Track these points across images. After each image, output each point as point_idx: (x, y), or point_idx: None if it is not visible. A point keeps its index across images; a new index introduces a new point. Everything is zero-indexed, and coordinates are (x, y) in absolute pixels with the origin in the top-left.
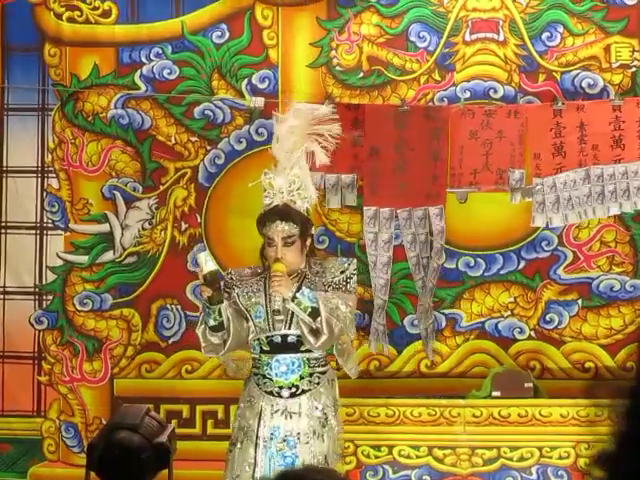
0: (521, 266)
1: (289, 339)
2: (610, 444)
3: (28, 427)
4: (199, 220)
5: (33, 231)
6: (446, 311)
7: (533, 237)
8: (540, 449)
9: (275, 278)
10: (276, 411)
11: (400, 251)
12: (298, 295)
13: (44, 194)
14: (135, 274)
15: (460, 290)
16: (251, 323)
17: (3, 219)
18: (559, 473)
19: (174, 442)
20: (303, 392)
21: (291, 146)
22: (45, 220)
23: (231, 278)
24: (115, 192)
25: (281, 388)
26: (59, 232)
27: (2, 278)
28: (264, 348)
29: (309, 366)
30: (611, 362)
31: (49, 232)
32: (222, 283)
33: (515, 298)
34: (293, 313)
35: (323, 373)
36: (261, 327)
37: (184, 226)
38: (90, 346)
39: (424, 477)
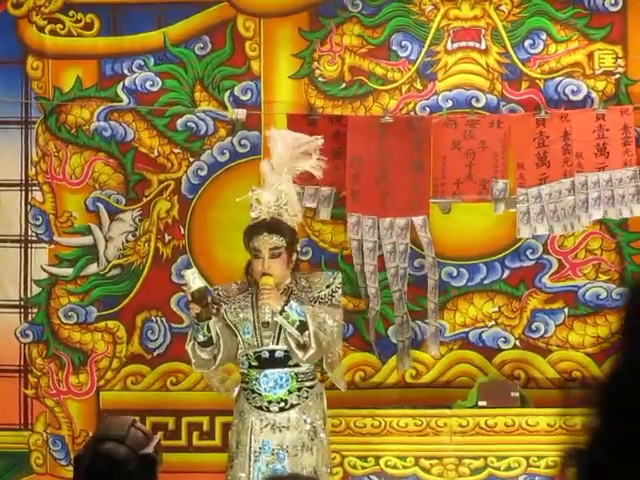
0: (505, 275)
1: (277, 354)
2: (581, 440)
3: (15, 440)
4: (183, 232)
5: (17, 244)
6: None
7: (517, 246)
8: (527, 458)
9: (264, 291)
10: (265, 425)
11: (381, 261)
12: (286, 308)
13: (28, 207)
14: (119, 286)
15: (443, 300)
16: (239, 339)
17: None
18: None
19: (160, 453)
20: (292, 406)
21: (278, 165)
22: (29, 233)
23: (218, 294)
24: (99, 204)
25: (270, 403)
26: (43, 245)
27: None
28: (252, 363)
29: (297, 380)
30: (598, 371)
31: (33, 245)
32: (210, 299)
33: (499, 307)
34: (281, 328)
35: (311, 387)
36: (249, 343)
37: (168, 238)
38: (76, 359)
39: None
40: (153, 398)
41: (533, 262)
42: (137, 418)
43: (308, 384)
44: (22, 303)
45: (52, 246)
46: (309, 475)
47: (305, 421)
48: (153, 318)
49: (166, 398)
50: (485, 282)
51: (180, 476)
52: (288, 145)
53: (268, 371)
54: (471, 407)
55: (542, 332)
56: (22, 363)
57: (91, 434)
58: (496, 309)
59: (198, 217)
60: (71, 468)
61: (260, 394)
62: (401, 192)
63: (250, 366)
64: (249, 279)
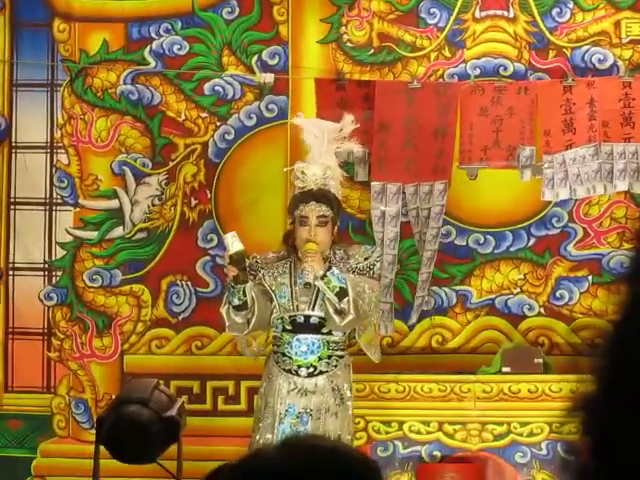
0: (531, 243)
1: (312, 320)
2: (588, 387)
3: (38, 403)
4: (209, 196)
5: (42, 207)
6: (457, 288)
7: (543, 214)
8: (550, 424)
9: (308, 254)
10: (293, 389)
11: (408, 228)
12: (328, 274)
13: (53, 170)
14: (145, 250)
15: (470, 267)
16: (275, 302)
17: (12, 195)
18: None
19: (184, 416)
20: (321, 373)
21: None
22: (54, 196)
23: (256, 261)
24: (125, 168)
25: (299, 367)
26: (68, 208)
27: (12, 254)
28: (286, 327)
29: (328, 348)
30: None
31: (58, 208)
32: (248, 263)
33: (525, 275)
34: (317, 295)
35: (341, 357)
36: (285, 307)
37: (194, 202)
38: (100, 322)
39: (434, 453)
40: (178, 362)
41: (558, 230)
42: (161, 382)
43: (338, 353)
44: (46, 266)
45: (77, 209)
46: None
47: (332, 389)
48: (178, 282)
49: (191, 362)
50: (511, 250)
51: (205, 440)
52: (325, 136)
53: (301, 336)
54: (495, 373)
55: (566, 300)
56: (46, 326)
57: (114, 397)
58: (521, 276)
59: (224, 181)
60: (93, 431)
61: (291, 357)
62: (426, 158)
63: (284, 330)
64: (288, 248)
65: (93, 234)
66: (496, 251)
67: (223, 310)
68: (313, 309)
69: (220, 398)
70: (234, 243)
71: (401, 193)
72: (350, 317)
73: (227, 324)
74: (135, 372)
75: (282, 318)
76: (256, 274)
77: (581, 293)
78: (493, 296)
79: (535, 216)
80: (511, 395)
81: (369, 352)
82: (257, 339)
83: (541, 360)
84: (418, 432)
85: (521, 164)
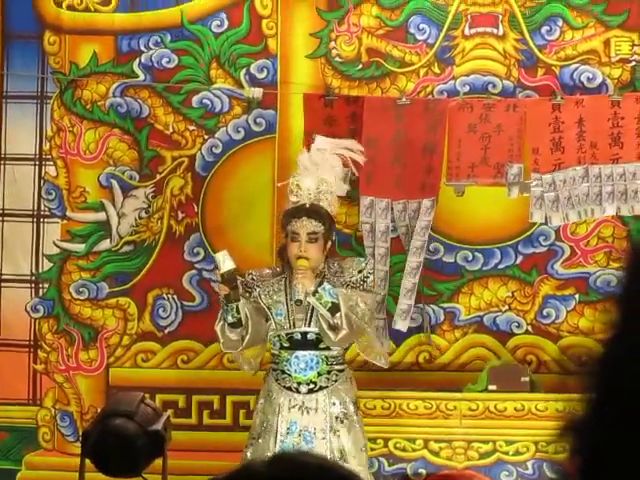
0: (519, 261)
1: (309, 336)
2: (579, 407)
3: (23, 415)
4: (196, 209)
5: (30, 219)
6: (445, 305)
7: (530, 232)
8: (536, 443)
9: (299, 271)
10: (293, 406)
11: (397, 243)
12: (319, 290)
13: (42, 182)
14: (131, 263)
15: (458, 284)
16: (272, 320)
17: (0, 206)
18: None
19: (169, 430)
20: (321, 389)
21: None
22: (42, 208)
23: (252, 278)
24: (112, 180)
25: (299, 384)
26: (56, 220)
27: None
28: (284, 344)
29: (327, 363)
30: None
31: (46, 220)
32: (240, 282)
33: (513, 292)
34: (313, 311)
35: (341, 371)
36: (281, 324)
37: (181, 215)
38: (86, 335)
39: (420, 470)
40: (163, 376)
41: (546, 248)
42: (147, 395)
43: (338, 367)
44: (33, 278)
45: (64, 221)
46: (336, 459)
47: (334, 404)
48: (165, 295)
49: (176, 376)
50: (499, 267)
51: (190, 454)
52: (330, 148)
53: (299, 352)
54: (481, 391)
55: (553, 318)
56: (32, 338)
57: (100, 410)
58: (510, 294)
59: (211, 195)
60: (78, 444)
61: (290, 375)
62: (414, 175)
63: (282, 347)
64: (283, 263)
65: (80, 246)
66: (484, 268)
67: (217, 327)
68: (309, 325)
69: (205, 412)
70: (225, 262)
71: (390, 209)
72: (344, 332)
73: (221, 341)
74: (121, 385)
75: (279, 335)
76: (252, 291)
77: (568, 311)
78: (482, 313)
79: (523, 234)
80: (497, 413)
81: (375, 360)
82: (257, 357)
83: (528, 378)
84: (404, 449)
85: (509, 181)
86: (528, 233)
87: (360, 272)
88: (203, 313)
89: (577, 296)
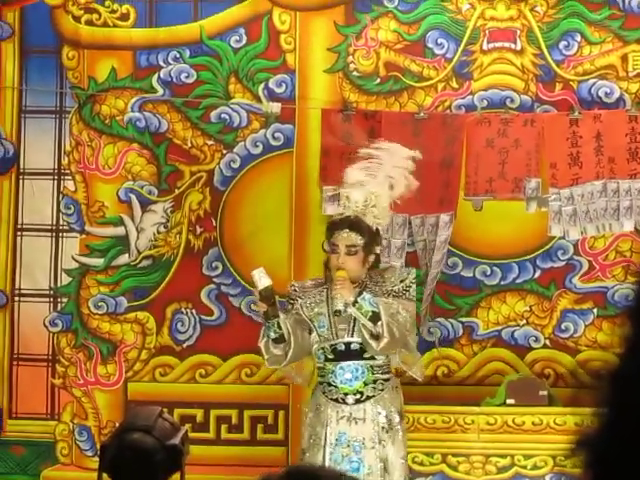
0: (537, 275)
1: (352, 346)
2: (592, 421)
3: (42, 430)
4: (214, 224)
5: (49, 233)
6: (463, 319)
7: (549, 246)
8: (554, 457)
9: (338, 281)
10: (341, 417)
11: (413, 258)
12: (359, 300)
13: (60, 196)
14: (150, 277)
15: (477, 298)
16: (314, 333)
17: (19, 221)
18: None
19: (187, 444)
20: (368, 398)
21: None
22: (61, 222)
23: (294, 290)
24: (131, 195)
25: (346, 395)
26: (75, 234)
27: (17, 280)
28: (328, 356)
29: (372, 373)
30: None
31: (65, 234)
32: (285, 296)
33: (531, 307)
34: (355, 320)
35: (386, 380)
36: (325, 336)
37: (199, 230)
38: (104, 349)
39: None
40: (181, 390)
41: (564, 263)
42: (165, 410)
43: (383, 377)
44: (52, 292)
45: (83, 236)
46: (381, 468)
47: (380, 413)
48: (183, 310)
49: (195, 390)
50: (517, 281)
51: (208, 469)
52: (391, 159)
53: (344, 363)
54: (499, 405)
55: (571, 332)
56: (50, 352)
57: (118, 425)
58: (527, 308)
59: (230, 209)
60: (96, 459)
61: (336, 386)
62: (432, 189)
63: (326, 359)
64: (326, 274)
65: (99, 261)
66: (502, 282)
67: (262, 344)
68: (352, 335)
69: (223, 427)
70: (261, 279)
71: (407, 225)
72: (385, 340)
73: (266, 357)
74: (139, 400)
75: (323, 348)
76: (294, 304)
77: (586, 326)
78: (499, 328)
79: (541, 248)
80: (515, 427)
81: (411, 371)
82: (304, 371)
83: (546, 392)
84: (421, 463)
85: (527, 196)
86: (546, 247)
87: (402, 281)
88: (221, 327)
89: (595, 310)
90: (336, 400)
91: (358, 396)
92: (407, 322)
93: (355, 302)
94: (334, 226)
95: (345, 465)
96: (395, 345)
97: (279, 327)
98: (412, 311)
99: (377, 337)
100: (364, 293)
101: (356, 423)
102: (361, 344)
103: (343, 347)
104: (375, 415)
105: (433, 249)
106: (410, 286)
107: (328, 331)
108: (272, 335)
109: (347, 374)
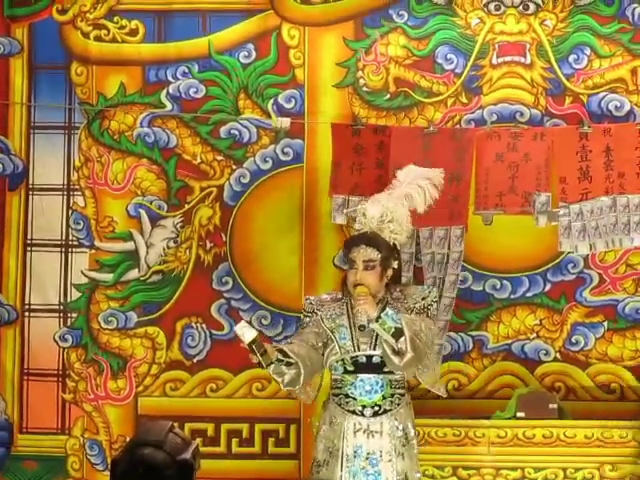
0: (547, 288)
1: (374, 359)
2: None
3: (53, 444)
4: (224, 239)
5: (58, 249)
6: (473, 333)
7: (559, 260)
8: (564, 470)
9: (360, 298)
10: (358, 430)
11: (420, 272)
12: (382, 315)
13: (70, 212)
14: (160, 292)
15: (487, 312)
16: (333, 345)
17: (29, 236)
18: None
19: (198, 459)
20: (385, 412)
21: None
22: (70, 238)
23: (310, 303)
24: (140, 210)
25: (364, 407)
26: (84, 250)
27: (27, 295)
28: (348, 368)
29: (391, 387)
30: (636, 383)
31: (74, 250)
32: (302, 310)
33: (541, 320)
34: (377, 335)
35: (402, 395)
36: (346, 348)
37: (209, 245)
38: (115, 364)
39: None
40: (192, 404)
41: (574, 276)
42: (176, 424)
43: (400, 392)
44: (62, 307)
45: (93, 251)
46: None
47: (397, 427)
48: (193, 324)
49: (205, 405)
50: (527, 295)
51: None
52: (413, 174)
53: (364, 376)
54: (509, 418)
55: (582, 345)
56: (60, 367)
57: (129, 439)
58: (537, 322)
59: (240, 224)
60: (107, 473)
61: (355, 398)
62: (441, 203)
63: (345, 371)
64: (344, 290)
65: (108, 276)
66: (512, 296)
67: (270, 370)
68: (374, 348)
69: (234, 441)
70: (245, 334)
71: (415, 238)
72: (409, 356)
73: (279, 380)
74: (149, 414)
75: (343, 359)
76: (311, 316)
77: (597, 339)
78: (510, 341)
79: (551, 262)
80: (526, 440)
81: (434, 389)
82: (313, 386)
83: (556, 405)
84: (432, 477)
85: (537, 210)
86: (557, 261)
87: (424, 299)
88: (232, 342)
89: (606, 323)
90: (353, 412)
91: (376, 409)
92: (429, 339)
93: (378, 318)
94: (351, 242)
95: (362, 478)
96: (417, 361)
97: (286, 364)
98: (433, 329)
99: (399, 353)
100: (387, 309)
101: (373, 436)
102: (382, 357)
103: (364, 359)
104: (393, 429)
105: (441, 262)
106: (432, 304)
107: (350, 343)
108: (283, 370)
109: (367, 386)
